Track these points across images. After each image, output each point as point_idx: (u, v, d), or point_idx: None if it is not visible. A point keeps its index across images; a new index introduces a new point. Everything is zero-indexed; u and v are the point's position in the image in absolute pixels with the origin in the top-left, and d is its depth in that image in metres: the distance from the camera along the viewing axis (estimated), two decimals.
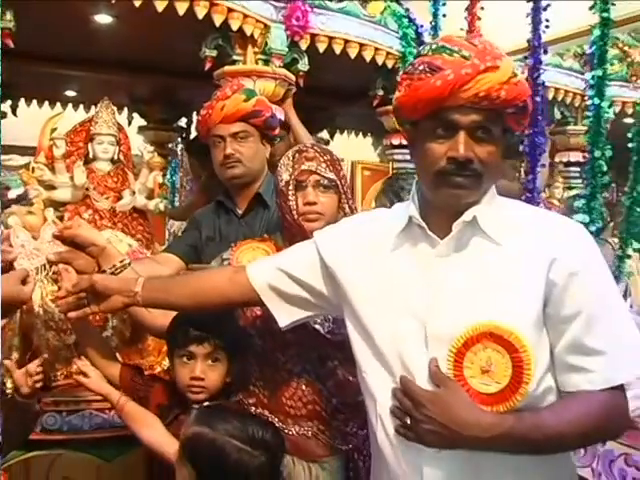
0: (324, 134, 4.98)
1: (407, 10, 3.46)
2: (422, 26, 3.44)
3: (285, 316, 1.63)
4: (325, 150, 1.95)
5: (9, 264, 1.89)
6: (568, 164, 4.49)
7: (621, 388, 1.34)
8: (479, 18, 3.18)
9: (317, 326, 1.83)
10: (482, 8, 3.23)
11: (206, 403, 1.83)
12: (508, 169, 3.30)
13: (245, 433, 1.57)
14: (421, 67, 1.33)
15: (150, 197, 3.04)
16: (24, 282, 1.83)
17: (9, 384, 2.33)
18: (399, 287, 1.42)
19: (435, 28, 3.41)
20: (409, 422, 1.32)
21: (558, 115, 4.44)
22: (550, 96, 4.23)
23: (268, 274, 1.64)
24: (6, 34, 2.56)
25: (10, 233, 2.08)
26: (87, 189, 2.90)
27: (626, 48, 4.33)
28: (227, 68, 2.96)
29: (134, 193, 2.98)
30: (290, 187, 1.88)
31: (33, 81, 4.00)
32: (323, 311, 1.67)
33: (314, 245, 1.61)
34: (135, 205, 2.98)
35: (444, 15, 3.41)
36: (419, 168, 1.43)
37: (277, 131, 2.60)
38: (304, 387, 1.87)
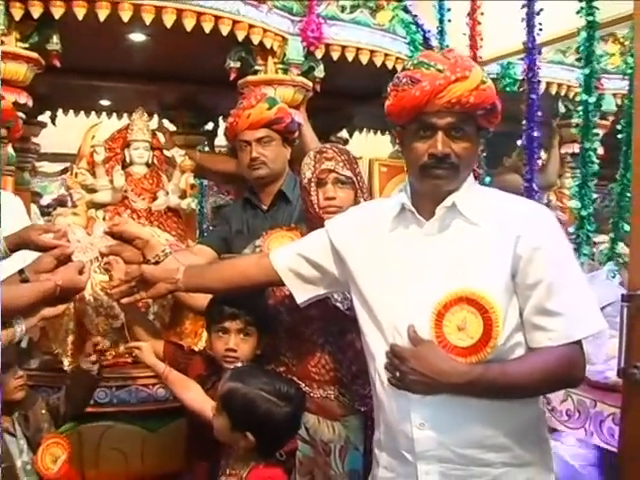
0: (344, 133, 5.21)
1: (415, 17, 3.70)
2: (429, 31, 3.69)
3: (302, 293, 1.92)
4: (343, 150, 2.21)
5: (67, 257, 2.20)
6: (573, 155, 4.65)
7: (578, 344, 1.58)
8: (479, 23, 3.41)
9: (338, 304, 2.10)
10: (482, 13, 3.47)
11: (239, 364, 2.10)
12: (520, 164, 3.49)
13: (272, 387, 1.85)
14: (404, 80, 1.59)
15: (182, 197, 3.30)
16: (81, 272, 2.15)
17: (66, 362, 2.66)
18: (393, 263, 1.68)
19: (441, 32, 3.66)
20: (398, 375, 1.58)
21: (562, 109, 4.63)
22: (553, 91, 4.43)
23: (288, 258, 1.92)
24: (53, 55, 2.88)
25: (68, 230, 2.37)
26: (125, 191, 3.18)
27: (627, 42, 4.50)
28: (250, 78, 3.25)
29: (167, 194, 3.25)
30: (312, 184, 2.15)
31: (70, 92, 4.30)
32: (334, 289, 1.94)
33: (326, 232, 1.89)
34: (169, 205, 3.24)
35: (449, 20, 3.65)
36: (407, 163, 1.70)
37: (296, 134, 2.88)
38: (327, 356, 2.14)
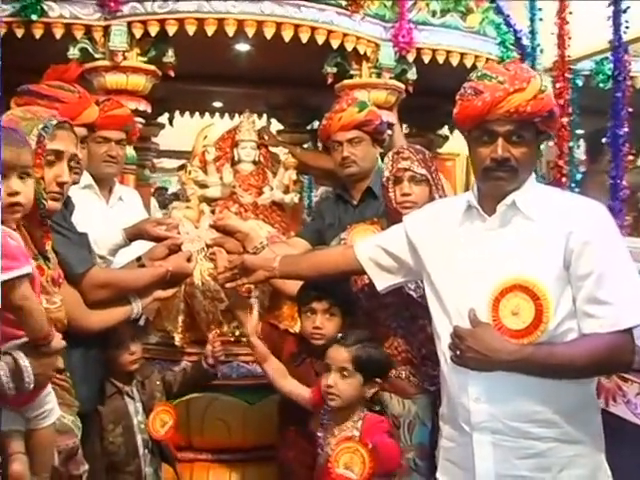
0: (445, 130, 5.32)
1: (507, 16, 3.81)
2: (521, 31, 3.78)
3: (381, 281, 2.16)
4: (419, 150, 2.42)
5: (178, 247, 2.53)
6: None
7: (629, 332, 1.71)
8: (567, 22, 3.47)
9: (411, 292, 2.31)
10: (570, 12, 3.53)
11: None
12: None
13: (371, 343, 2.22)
14: (469, 90, 1.79)
15: (286, 192, 3.53)
16: (189, 260, 2.48)
17: (177, 338, 2.99)
18: (459, 254, 1.87)
19: (532, 32, 3.74)
20: (458, 353, 1.78)
21: None
22: None
23: (369, 250, 2.16)
24: (168, 67, 3.23)
25: (178, 223, 2.71)
26: (233, 187, 3.44)
27: None
28: (346, 82, 3.46)
29: (272, 189, 3.48)
30: (390, 182, 2.38)
31: (185, 96, 4.69)
32: (409, 277, 2.16)
33: (403, 226, 2.10)
34: (273, 199, 3.48)
35: (540, 19, 3.73)
36: (472, 165, 1.90)
37: (385, 134, 3.09)
38: (399, 339, 2.36)
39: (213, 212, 3.52)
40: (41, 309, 1.66)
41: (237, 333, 3.07)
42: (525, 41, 3.74)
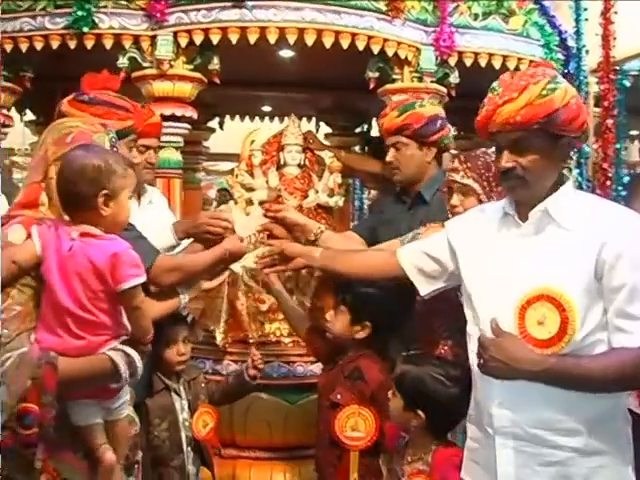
0: None
1: (553, 17, 3.78)
2: (566, 32, 3.75)
3: (424, 286, 2.14)
4: (469, 158, 2.37)
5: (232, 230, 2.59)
6: None
7: None
8: (612, 22, 3.42)
9: (460, 299, 2.26)
10: (615, 12, 3.48)
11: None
12: None
13: (441, 369, 2.08)
14: (483, 102, 1.80)
15: (331, 195, 3.54)
16: (241, 241, 2.54)
17: (219, 337, 3.08)
18: (493, 260, 1.86)
19: (578, 33, 3.70)
20: (482, 361, 1.76)
21: None
22: None
23: (412, 255, 2.16)
24: (214, 74, 3.32)
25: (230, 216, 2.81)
26: (279, 190, 3.46)
27: None
28: (388, 86, 3.48)
29: (317, 192, 3.51)
30: (445, 191, 2.43)
31: (235, 101, 4.79)
32: (451, 282, 2.11)
33: (445, 230, 2.11)
34: (318, 202, 3.50)
35: (586, 19, 3.69)
36: None
37: (436, 136, 2.90)
38: (449, 343, 2.39)
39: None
40: (150, 312, 1.90)
41: (278, 334, 3.15)
42: (570, 42, 3.70)
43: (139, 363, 1.88)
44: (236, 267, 3.11)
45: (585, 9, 3.65)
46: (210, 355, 3.08)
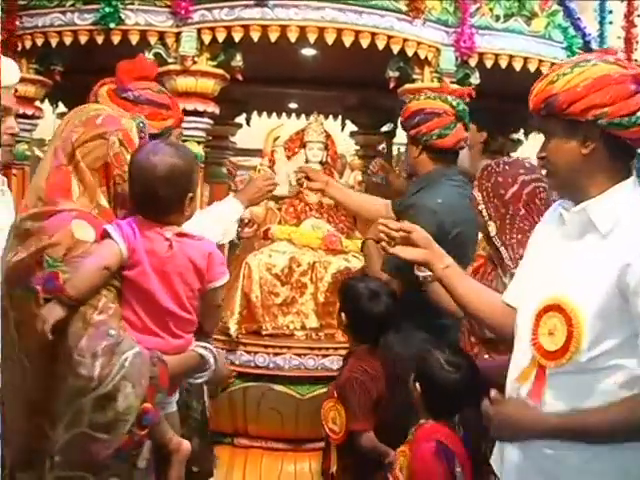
0: (520, 135, 5.27)
1: (578, 19, 3.75)
2: (590, 34, 3.73)
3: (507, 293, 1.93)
4: (489, 176, 2.28)
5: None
6: None
7: None
8: (635, 25, 3.40)
9: None
10: (639, 16, 3.46)
11: None
12: None
13: (445, 354, 2.11)
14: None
15: None
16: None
17: (233, 328, 3.15)
18: (538, 259, 1.77)
19: (601, 36, 3.68)
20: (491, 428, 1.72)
21: None
22: None
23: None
24: (236, 71, 3.39)
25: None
26: (300, 186, 3.54)
27: None
28: (407, 86, 3.49)
29: None
30: None
31: (262, 98, 4.89)
32: None
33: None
34: None
35: (610, 22, 3.66)
36: None
37: (413, 131, 2.83)
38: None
39: (280, 209, 3.68)
40: None
41: (291, 327, 3.21)
42: (593, 45, 3.68)
43: (219, 356, 2.00)
44: (252, 260, 3.19)
45: (610, 12, 3.63)
46: (224, 345, 3.15)
